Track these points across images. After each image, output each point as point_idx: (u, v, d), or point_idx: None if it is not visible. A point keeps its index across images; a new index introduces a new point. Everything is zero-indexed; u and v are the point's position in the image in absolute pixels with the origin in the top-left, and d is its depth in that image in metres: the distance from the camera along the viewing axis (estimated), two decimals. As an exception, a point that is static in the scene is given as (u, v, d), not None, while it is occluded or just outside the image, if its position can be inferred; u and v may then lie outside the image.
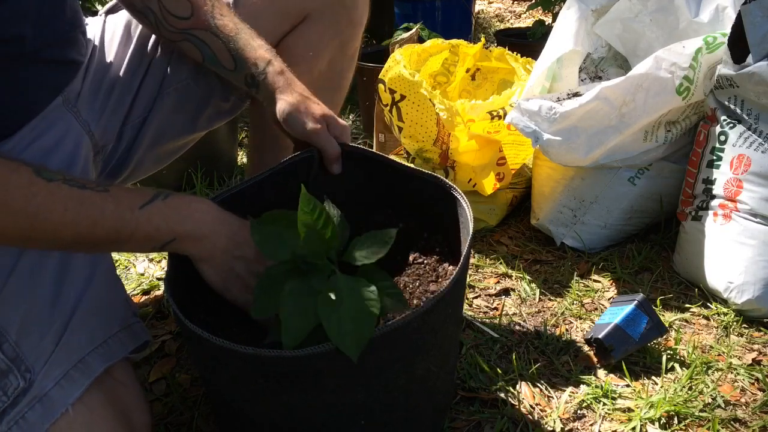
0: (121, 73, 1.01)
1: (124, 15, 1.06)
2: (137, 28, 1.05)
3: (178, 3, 0.94)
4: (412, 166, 0.97)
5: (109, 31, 1.04)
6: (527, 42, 2.40)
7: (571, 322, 1.16)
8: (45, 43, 0.85)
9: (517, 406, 0.95)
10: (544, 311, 1.20)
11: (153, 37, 1.04)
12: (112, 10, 1.08)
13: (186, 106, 1.07)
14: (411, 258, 0.96)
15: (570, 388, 1.00)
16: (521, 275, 1.31)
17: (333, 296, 0.69)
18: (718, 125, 1.21)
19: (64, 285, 0.79)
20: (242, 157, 1.99)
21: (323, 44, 1.10)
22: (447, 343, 0.81)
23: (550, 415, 0.94)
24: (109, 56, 1.02)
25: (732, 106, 1.19)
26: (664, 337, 1.08)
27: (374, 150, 1.81)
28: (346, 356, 0.66)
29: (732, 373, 1.02)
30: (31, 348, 0.74)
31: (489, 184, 1.42)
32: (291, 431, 0.77)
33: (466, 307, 1.21)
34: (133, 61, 1.02)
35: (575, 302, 1.22)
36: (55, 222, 0.69)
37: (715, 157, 1.21)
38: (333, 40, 1.11)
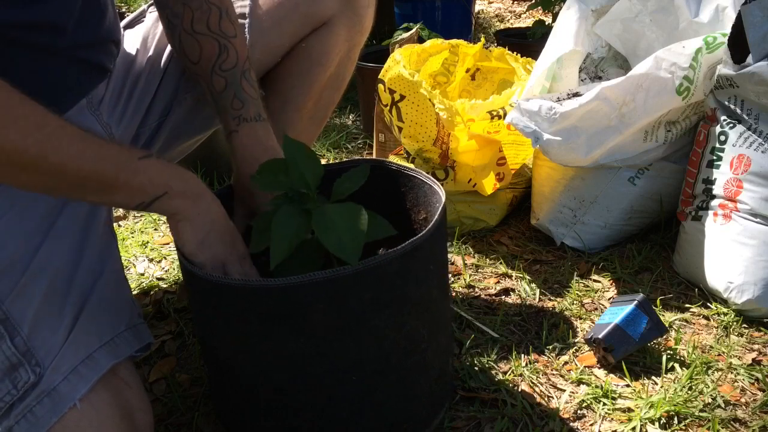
0: (139, 80, 1.06)
1: (141, 28, 1.12)
2: (154, 39, 1.10)
3: (192, 46, 0.98)
4: (407, 164, 1.00)
5: (128, 44, 1.09)
6: (527, 42, 2.40)
7: (571, 322, 1.16)
8: (81, 43, 0.89)
9: (517, 406, 0.95)
10: (544, 311, 1.20)
11: (168, 48, 1.09)
12: (129, 26, 1.14)
13: (201, 111, 1.12)
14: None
15: (570, 388, 1.00)
16: (521, 275, 1.31)
17: (326, 216, 0.76)
18: (718, 125, 1.21)
19: (74, 281, 0.80)
20: (242, 157, 1.98)
21: (337, 48, 1.16)
22: (434, 307, 0.84)
23: (550, 415, 0.94)
24: (130, 65, 1.06)
25: (732, 106, 1.19)
26: (664, 337, 1.08)
27: (374, 150, 1.81)
28: (331, 289, 0.72)
29: (732, 373, 1.02)
30: (41, 342, 0.74)
31: (489, 184, 1.42)
32: (285, 388, 0.79)
33: (466, 307, 1.21)
34: (150, 68, 1.07)
35: (575, 302, 1.22)
36: (63, 153, 0.70)
37: (715, 157, 1.21)
38: (344, 45, 1.17)
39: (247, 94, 0.96)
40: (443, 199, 0.88)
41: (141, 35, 1.10)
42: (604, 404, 0.96)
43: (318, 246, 0.83)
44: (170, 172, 0.79)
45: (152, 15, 1.13)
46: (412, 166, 1.44)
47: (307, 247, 0.83)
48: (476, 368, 1.04)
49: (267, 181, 0.81)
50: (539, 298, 1.24)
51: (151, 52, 1.08)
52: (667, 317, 1.15)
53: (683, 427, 0.92)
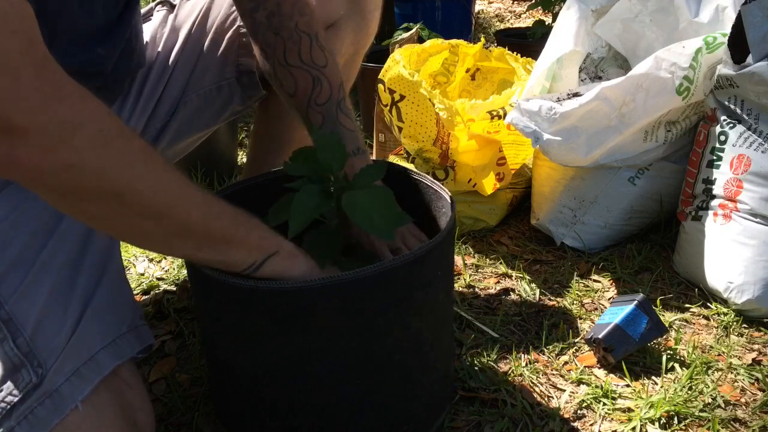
0: (147, 81, 1.05)
1: (149, 27, 1.11)
2: (161, 39, 1.10)
3: (287, 79, 0.97)
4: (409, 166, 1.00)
5: None
6: (527, 42, 2.40)
7: (571, 322, 1.16)
8: (115, 78, 0.91)
9: (517, 406, 0.95)
10: (544, 311, 1.20)
11: (177, 46, 1.09)
12: None
13: (206, 111, 1.12)
14: None
15: (570, 388, 1.00)
16: (521, 275, 1.31)
17: (356, 197, 0.77)
18: (718, 125, 1.21)
19: (77, 282, 0.80)
20: (242, 157, 1.99)
21: (343, 51, 1.16)
22: (439, 310, 0.85)
23: (550, 415, 0.94)
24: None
25: (732, 106, 1.19)
26: (664, 337, 1.08)
27: (374, 150, 1.81)
28: (341, 293, 0.72)
29: (732, 373, 1.02)
30: (44, 343, 0.74)
31: (489, 184, 1.42)
32: (287, 388, 0.79)
33: (466, 307, 1.21)
34: (158, 68, 1.07)
35: (575, 302, 1.22)
36: (189, 200, 0.69)
37: (715, 157, 1.21)
38: (350, 48, 1.17)
39: (344, 128, 0.95)
40: (452, 205, 0.88)
41: (149, 35, 1.09)
42: (604, 404, 0.96)
43: (337, 237, 0.85)
44: (274, 232, 0.78)
45: (160, 14, 1.13)
46: (413, 167, 1.44)
47: (326, 237, 0.84)
48: (476, 368, 1.04)
49: (295, 166, 0.82)
50: (539, 298, 1.24)
51: (158, 53, 1.08)
52: (667, 317, 1.15)
53: (683, 427, 0.92)
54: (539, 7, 2.61)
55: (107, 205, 0.64)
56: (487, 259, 1.38)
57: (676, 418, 0.93)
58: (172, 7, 1.14)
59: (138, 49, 0.95)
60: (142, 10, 1.16)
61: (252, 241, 0.74)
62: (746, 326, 1.13)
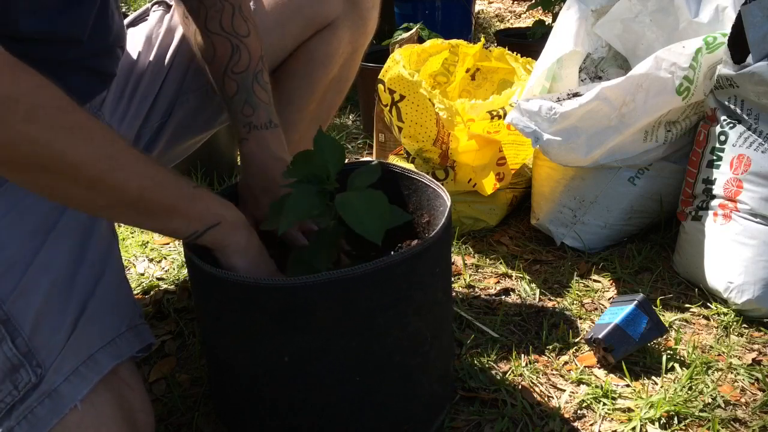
0: (142, 80, 1.05)
1: (145, 27, 1.11)
2: (157, 39, 1.09)
3: (206, 46, 0.98)
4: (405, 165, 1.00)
5: (132, 42, 1.08)
6: (527, 42, 2.40)
7: (571, 322, 1.16)
8: (92, 53, 0.89)
9: (517, 406, 0.95)
10: (544, 311, 1.20)
11: (173, 45, 1.09)
12: (133, 24, 1.13)
13: (204, 110, 1.12)
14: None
15: (570, 388, 1.00)
16: (521, 275, 1.31)
17: (349, 199, 0.77)
18: (718, 125, 1.21)
19: (76, 281, 0.80)
20: (242, 157, 1.98)
21: (341, 50, 1.16)
22: (438, 309, 0.85)
23: (550, 415, 0.94)
24: (132, 65, 1.06)
25: (732, 106, 1.19)
26: (664, 337, 1.08)
27: (374, 150, 1.81)
28: (339, 290, 0.72)
29: (732, 373, 1.02)
30: (43, 343, 0.74)
31: (489, 184, 1.42)
32: (287, 387, 0.79)
33: (466, 307, 1.21)
34: (153, 68, 1.07)
35: (575, 302, 1.22)
36: (128, 172, 0.69)
37: (715, 157, 1.21)
38: (348, 48, 1.17)
39: (258, 99, 0.95)
40: (449, 202, 0.88)
41: (144, 34, 1.10)
42: (604, 404, 0.96)
43: (332, 239, 0.84)
44: (220, 202, 0.79)
45: (156, 14, 1.13)
46: (412, 167, 1.44)
47: (321, 240, 0.84)
48: (476, 368, 1.04)
49: (293, 170, 0.82)
50: (539, 298, 1.24)
51: (154, 52, 1.08)
52: (667, 317, 1.15)
53: (683, 427, 0.92)
54: (539, 7, 2.61)
55: (43, 174, 0.65)
56: (487, 259, 1.38)
57: (676, 418, 0.93)
58: (168, 7, 1.14)
59: (116, 29, 0.94)
60: (139, 11, 1.16)
61: (193, 213, 0.76)
62: (746, 326, 1.13)
